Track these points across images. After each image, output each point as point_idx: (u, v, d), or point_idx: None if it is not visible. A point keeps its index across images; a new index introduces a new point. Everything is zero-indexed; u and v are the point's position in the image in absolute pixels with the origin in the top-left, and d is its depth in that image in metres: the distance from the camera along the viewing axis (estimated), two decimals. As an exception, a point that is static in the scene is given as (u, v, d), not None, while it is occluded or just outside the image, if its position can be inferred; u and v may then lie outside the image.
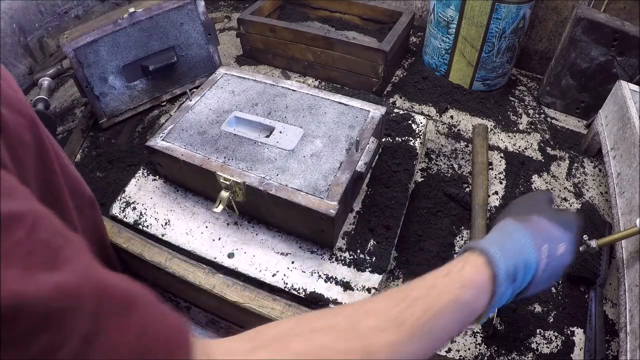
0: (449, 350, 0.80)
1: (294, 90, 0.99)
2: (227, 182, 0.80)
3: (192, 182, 0.93)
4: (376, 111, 0.94)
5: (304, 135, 0.88)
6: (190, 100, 0.97)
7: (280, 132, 0.89)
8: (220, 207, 0.80)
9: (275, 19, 1.46)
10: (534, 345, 0.81)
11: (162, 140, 0.89)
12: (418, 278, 0.44)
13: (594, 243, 0.78)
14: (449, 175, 1.10)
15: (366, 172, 0.87)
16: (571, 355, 0.80)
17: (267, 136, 0.90)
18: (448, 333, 0.43)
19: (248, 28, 1.39)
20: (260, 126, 0.91)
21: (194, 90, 0.99)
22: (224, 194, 0.81)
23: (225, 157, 0.85)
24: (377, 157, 1.00)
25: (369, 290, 0.79)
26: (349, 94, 1.15)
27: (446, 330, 0.42)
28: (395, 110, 1.13)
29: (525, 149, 1.19)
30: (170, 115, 0.93)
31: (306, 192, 0.78)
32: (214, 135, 0.89)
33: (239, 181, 0.79)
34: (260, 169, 0.82)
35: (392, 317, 0.39)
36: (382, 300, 0.42)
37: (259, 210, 0.87)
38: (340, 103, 0.96)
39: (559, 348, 0.81)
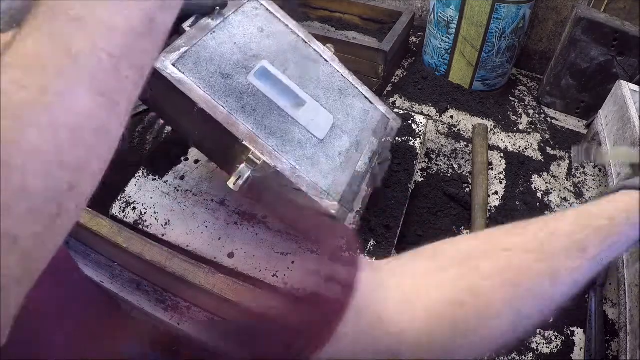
0: (449, 350, 0.80)
1: (326, 61, 0.85)
2: (257, 161, 0.64)
3: (194, 135, 0.75)
4: (394, 122, 0.88)
5: (334, 125, 0.76)
6: (213, 20, 0.72)
7: (311, 111, 0.74)
8: (239, 183, 0.64)
9: (275, 19, 1.46)
10: (534, 345, 0.81)
11: (173, 65, 0.64)
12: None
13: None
14: (449, 175, 1.10)
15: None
16: (571, 355, 0.80)
17: (297, 110, 0.74)
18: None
19: (248, 28, 1.39)
20: (291, 94, 0.74)
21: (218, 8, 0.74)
22: (245, 170, 0.65)
23: (253, 123, 0.67)
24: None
25: (369, 290, 0.79)
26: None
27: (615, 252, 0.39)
28: (395, 110, 1.13)
29: (525, 149, 1.19)
30: (185, 31, 0.70)
31: (332, 201, 0.67)
32: (240, 86, 0.69)
33: (271, 164, 0.65)
34: (291, 154, 0.68)
35: (576, 240, 0.37)
36: (564, 222, 0.39)
37: (257, 199, 0.78)
38: (366, 98, 0.85)
39: (559, 348, 0.81)
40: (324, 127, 0.73)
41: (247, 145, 0.64)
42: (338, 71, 0.84)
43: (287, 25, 0.85)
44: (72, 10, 0.25)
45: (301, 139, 0.70)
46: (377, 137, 0.81)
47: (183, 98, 0.64)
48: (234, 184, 0.64)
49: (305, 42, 0.85)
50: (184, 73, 0.64)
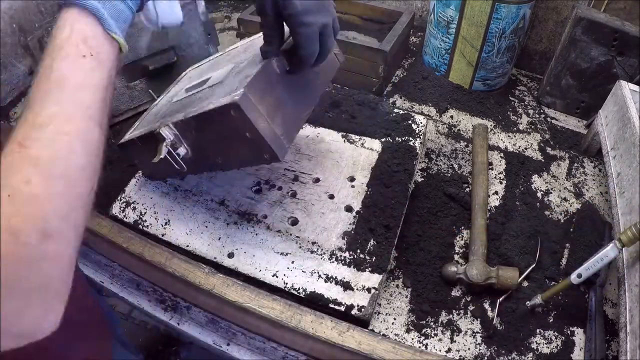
0: (449, 350, 0.80)
1: (237, 47, 0.98)
2: (163, 134, 0.76)
3: (156, 164, 0.81)
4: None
5: (233, 67, 0.79)
6: (156, 99, 0.99)
7: (214, 75, 0.83)
8: (157, 157, 0.76)
9: (275, 19, 1.46)
10: (534, 345, 0.81)
11: (129, 134, 0.91)
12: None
13: (538, 299, 0.81)
14: (449, 175, 1.10)
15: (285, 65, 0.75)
16: (571, 355, 0.80)
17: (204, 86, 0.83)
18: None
19: (248, 28, 1.39)
20: (199, 83, 0.85)
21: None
22: (162, 146, 0.76)
23: (168, 119, 0.79)
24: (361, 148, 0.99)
25: (369, 290, 0.79)
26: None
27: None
28: (395, 110, 1.13)
29: (525, 149, 1.19)
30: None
31: (221, 101, 0.68)
32: (165, 111, 0.87)
33: (169, 123, 0.76)
34: (193, 111, 0.75)
35: None
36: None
37: (202, 155, 0.79)
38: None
39: (559, 348, 0.81)
40: (224, 71, 0.82)
41: (158, 131, 0.77)
42: (245, 44, 0.96)
43: (209, 60, 1.05)
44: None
45: (202, 96, 0.79)
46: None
47: (133, 144, 0.87)
48: (155, 159, 0.77)
49: (224, 53, 1.02)
50: (132, 132, 0.91)
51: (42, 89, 0.41)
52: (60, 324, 0.38)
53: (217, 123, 0.71)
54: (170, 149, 0.77)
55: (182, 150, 0.78)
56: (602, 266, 0.76)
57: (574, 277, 0.77)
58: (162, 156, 0.76)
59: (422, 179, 1.08)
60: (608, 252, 0.74)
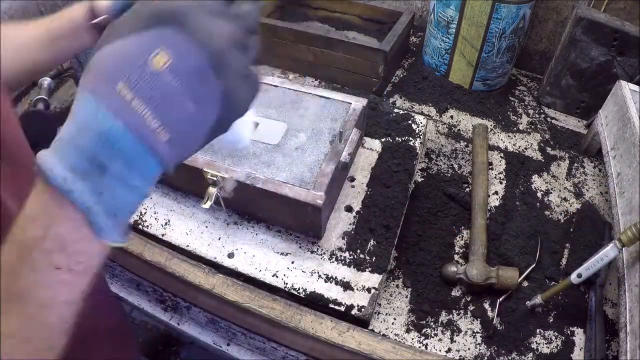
0: (449, 350, 0.80)
1: (276, 86, 1.00)
2: (214, 178, 0.81)
3: (178, 182, 0.93)
4: (357, 103, 0.95)
5: (288, 129, 0.90)
6: None
7: (265, 128, 0.90)
8: (209, 203, 0.81)
9: (275, 19, 1.46)
10: (534, 345, 0.81)
11: None
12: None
13: (538, 299, 0.81)
14: (449, 175, 1.10)
15: (350, 162, 0.89)
16: (571, 355, 0.80)
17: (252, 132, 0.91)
18: (51, 271, 0.29)
19: (248, 28, 1.39)
20: (244, 122, 0.91)
21: None
22: (212, 189, 0.81)
23: (211, 154, 0.85)
24: (359, 147, 1.01)
25: (369, 290, 0.79)
26: (338, 90, 1.15)
27: (46, 267, 0.29)
28: (395, 110, 1.13)
29: (525, 149, 1.19)
30: None
31: (292, 184, 0.79)
32: None
33: (226, 176, 0.80)
34: (246, 164, 0.83)
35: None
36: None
37: (246, 205, 0.88)
38: (321, 97, 0.97)
39: (559, 348, 0.81)
40: (277, 135, 0.89)
41: (205, 169, 0.81)
42: (289, 89, 1.00)
43: None
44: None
45: (256, 150, 0.86)
46: (339, 121, 0.92)
47: None
48: (205, 204, 0.80)
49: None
50: None
51: (4, 290, 0.30)
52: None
53: (284, 201, 0.79)
54: (218, 192, 0.82)
55: (229, 195, 0.84)
56: (602, 266, 0.76)
57: (574, 277, 0.77)
58: (212, 202, 0.80)
59: (422, 179, 1.08)
60: (608, 252, 0.74)
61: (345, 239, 0.86)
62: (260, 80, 0.38)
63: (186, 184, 0.92)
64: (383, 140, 1.04)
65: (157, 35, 0.30)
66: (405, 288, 0.89)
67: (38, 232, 0.29)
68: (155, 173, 0.31)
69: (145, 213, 0.92)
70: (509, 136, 1.22)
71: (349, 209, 0.91)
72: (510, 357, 0.79)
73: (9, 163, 0.44)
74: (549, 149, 1.19)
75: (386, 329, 0.83)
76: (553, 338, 0.82)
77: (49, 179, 0.28)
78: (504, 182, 1.09)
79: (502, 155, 1.16)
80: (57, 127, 1.22)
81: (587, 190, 1.09)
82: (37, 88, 1.30)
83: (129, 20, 0.31)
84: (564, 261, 0.93)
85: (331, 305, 0.78)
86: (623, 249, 0.74)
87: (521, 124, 1.26)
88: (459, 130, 1.23)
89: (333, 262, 0.83)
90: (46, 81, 1.30)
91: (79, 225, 0.29)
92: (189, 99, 0.30)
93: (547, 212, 1.03)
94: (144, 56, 0.29)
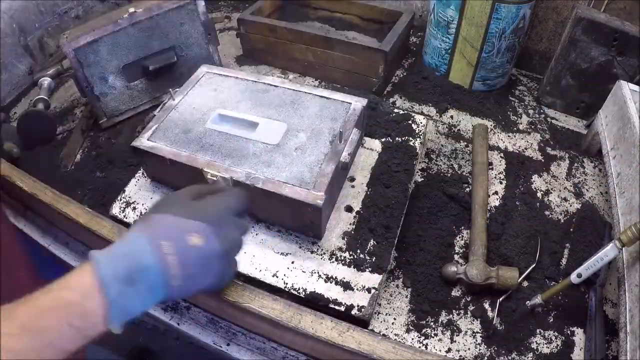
0: (449, 350, 0.80)
1: (276, 86, 1.00)
2: (214, 179, 0.81)
3: (178, 181, 0.92)
4: (357, 103, 0.95)
5: (288, 129, 0.90)
6: (174, 100, 0.97)
7: (264, 128, 0.90)
8: None
9: (275, 19, 1.46)
10: (534, 345, 0.81)
11: (148, 140, 0.89)
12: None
13: (538, 299, 0.80)
14: (449, 175, 1.10)
15: (350, 162, 0.89)
16: (571, 355, 0.80)
17: (251, 131, 0.91)
18: (62, 335, 0.42)
19: (248, 28, 1.39)
20: (244, 122, 0.91)
21: (177, 89, 1.00)
22: None
23: (211, 154, 0.85)
24: (359, 147, 1.01)
25: (369, 290, 0.79)
26: (338, 90, 1.15)
27: (58, 331, 0.42)
28: (395, 110, 1.13)
29: (525, 149, 1.19)
30: (154, 115, 0.94)
31: (293, 184, 0.79)
32: (199, 133, 0.90)
33: (226, 177, 0.80)
34: (246, 164, 0.83)
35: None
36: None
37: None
38: (321, 97, 0.97)
39: (559, 348, 0.81)
40: (277, 135, 0.88)
41: (205, 169, 0.82)
42: (289, 89, 1.00)
43: (236, 77, 1.04)
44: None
45: (256, 150, 0.86)
46: (339, 121, 0.92)
47: (158, 157, 0.86)
48: None
49: (254, 82, 1.02)
50: (155, 141, 0.89)
51: (26, 320, 0.41)
52: None
53: (284, 201, 0.79)
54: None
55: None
56: (602, 266, 0.76)
57: (574, 277, 0.77)
58: None
59: (422, 179, 1.08)
60: (608, 251, 0.74)
61: (345, 239, 0.86)
62: (236, 268, 0.62)
63: (186, 184, 0.92)
64: (383, 140, 1.04)
65: (198, 225, 0.50)
66: (405, 288, 0.89)
67: (73, 297, 0.43)
68: (161, 300, 0.48)
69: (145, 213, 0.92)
70: (509, 136, 1.22)
71: (349, 209, 0.91)
72: (510, 357, 0.80)
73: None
74: (549, 149, 1.19)
75: (386, 329, 0.83)
76: (553, 338, 0.82)
77: (96, 271, 0.43)
78: (504, 182, 1.09)
79: (502, 155, 1.16)
80: (56, 127, 1.22)
81: (587, 190, 1.09)
82: (37, 88, 1.31)
83: (179, 206, 0.52)
84: (564, 261, 0.93)
85: (331, 305, 0.78)
86: (623, 249, 0.74)
87: (521, 124, 1.26)
88: (459, 130, 1.23)
89: (333, 262, 0.83)
90: (46, 81, 1.30)
91: (101, 312, 0.43)
92: (200, 267, 0.49)
93: (547, 212, 1.03)
94: (186, 233, 0.48)
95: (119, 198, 0.95)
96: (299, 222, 0.84)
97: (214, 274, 0.52)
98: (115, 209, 0.93)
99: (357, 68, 1.30)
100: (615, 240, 0.73)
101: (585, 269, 0.76)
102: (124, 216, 0.92)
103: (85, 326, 0.43)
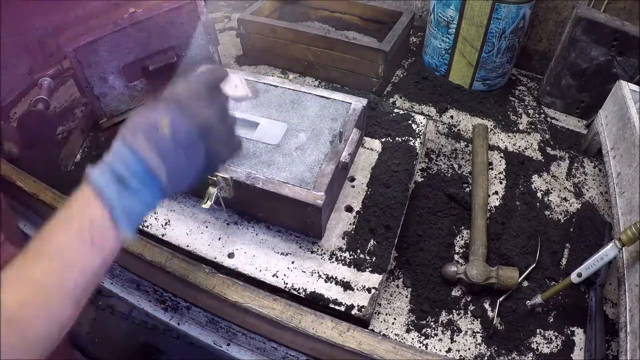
0: (449, 350, 0.80)
1: (276, 86, 1.00)
2: (214, 178, 0.81)
3: None
4: (357, 103, 0.95)
5: (288, 129, 0.90)
6: None
7: (265, 128, 0.90)
8: (209, 203, 0.81)
9: (275, 19, 1.46)
10: (534, 345, 0.81)
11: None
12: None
13: (539, 298, 0.81)
14: (449, 175, 1.10)
15: (350, 162, 0.89)
16: (571, 355, 0.80)
17: (251, 131, 0.91)
18: (76, 252, 0.43)
19: (248, 28, 1.39)
20: (244, 122, 0.92)
21: None
22: (212, 189, 0.82)
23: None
24: (359, 147, 1.01)
25: (369, 290, 0.79)
26: (338, 90, 1.16)
27: (70, 247, 0.43)
28: (395, 110, 1.13)
29: (525, 149, 1.19)
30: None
31: (293, 184, 0.79)
32: None
33: (226, 177, 0.80)
34: (246, 164, 0.84)
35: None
36: None
37: (246, 205, 0.88)
38: (321, 97, 0.98)
39: (559, 348, 0.81)
40: (277, 135, 0.89)
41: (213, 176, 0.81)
42: (289, 89, 1.00)
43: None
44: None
45: (256, 150, 0.86)
46: (339, 121, 0.92)
47: None
48: (205, 204, 0.80)
49: (254, 81, 1.03)
50: None
51: (38, 245, 0.42)
52: None
53: (284, 202, 0.79)
54: (218, 192, 0.82)
55: (228, 195, 0.84)
56: (602, 265, 0.76)
57: (574, 277, 0.77)
58: (211, 202, 0.81)
59: (422, 179, 1.08)
60: (608, 251, 0.74)
61: (345, 239, 0.86)
62: (240, 145, 0.57)
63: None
64: (383, 140, 1.04)
65: (165, 109, 0.48)
66: (405, 288, 0.89)
67: (76, 211, 0.44)
68: (158, 194, 0.48)
69: (145, 213, 0.92)
70: (509, 136, 1.22)
71: (349, 209, 0.91)
72: (510, 357, 0.80)
73: None
74: (549, 149, 1.19)
75: (386, 329, 0.83)
76: (553, 338, 0.82)
77: (90, 181, 0.44)
78: (504, 182, 1.09)
79: (502, 155, 1.16)
80: (56, 127, 1.22)
81: (587, 190, 1.09)
82: (37, 88, 1.30)
83: (157, 98, 0.51)
84: (564, 261, 0.93)
85: (331, 305, 0.78)
86: (623, 248, 0.74)
87: (521, 124, 1.26)
88: (459, 130, 1.23)
89: (333, 262, 0.83)
90: (46, 81, 1.30)
91: (105, 215, 0.44)
92: (181, 151, 0.48)
93: (547, 212, 1.03)
94: (155, 121, 0.47)
95: (119, 198, 0.95)
96: (299, 222, 0.84)
97: (200, 154, 0.51)
98: (116, 209, 0.93)
99: (357, 68, 1.30)
100: (615, 240, 0.74)
101: (586, 269, 0.76)
102: (124, 216, 0.92)
103: (96, 236, 0.43)
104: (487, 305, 0.87)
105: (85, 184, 0.45)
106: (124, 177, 0.45)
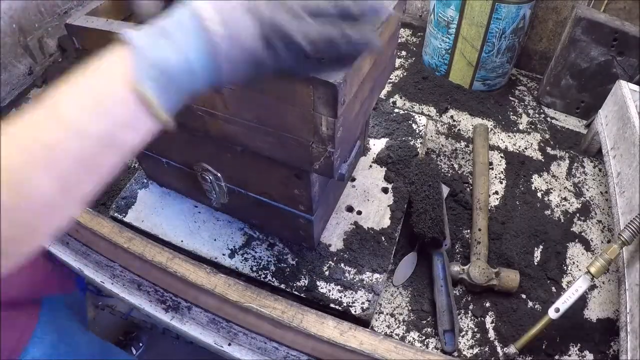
0: (450, 349, 0.80)
1: None
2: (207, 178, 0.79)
3: (176, 181, 0.92)
4: None
5: None
6: None
7: None
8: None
9: None
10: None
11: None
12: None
13: (512, 348, 0.78)
14: (449, 175, 1.10)
15: (348, 174, 0.85)
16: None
17: None
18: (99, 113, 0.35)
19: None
20: None
21: None
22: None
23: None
24: (360, 157, 1.00)
25: (369, 290, 0.79)
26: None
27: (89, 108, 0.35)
28: (396, 110, 1.13)
29: (525, 148, 1.19)
30: None
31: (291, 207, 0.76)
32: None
33: (220, 177, 0.79)
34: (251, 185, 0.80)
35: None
36: None
37: (241, 212, 0.87)
38: None
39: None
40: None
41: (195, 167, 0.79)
42: None
43: None
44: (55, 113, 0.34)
45: None
46: None
47: (156, 160, 0.86)
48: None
49: None
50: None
51: (49, 107, 0.35)
52: None
53: (277, 212, 0.78)
54: (210, 186, 0.80)
55: (223, 200, 0.82)
56: (577, 298, 0.75)
57: (552, 313, 0.75)
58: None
59: (423, 179, 1.08)
60: (580, 283, 0.74)
61: (346, 239, 0.86)
62: (365, 40, 0.40)
63: (184, 184, 0.91)
64: (383, 140, 1.05)
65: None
66: (405, 288, 0.89)
67: (98, 62, 0.36)
68: (206, 65, 0.37)
69: (145, 213, 0.92)
70: (509, 136, 1.22)
71: (349, 208, 0.91)
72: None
73: None
74: (549, 149, 1.19)
75: (387, 327, 0.83)
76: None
77: (125, 39, 0.35)
78: (504, 182, 1.09)
79: (502, 155, 1.16)
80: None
81: (587, 190, 1.09)
82: (37, 88, 1.30)
83: None
84: (564, 261, 0.93)
85: (332, 305, 0.78)
86: (623, 249, 0.74)
87: (521, 123, 1.26)
88: (459, 130, 1.23)
89: (333, 261, 0.83)
90: (46, 81, 1.30)
91: (126, 59, 0.35)
92: (243, 14, 0.37)
93: (547, 212, 1.03)
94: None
95: (118, 198, 0.95)
96: (291, 233, 0.83)
97: (254, 46, 0.37)
98: (115, 209, 0.93)
99: (357, 68, 1.30)
100: (585, 274, 0.74)
101: (562, 303, 0.75)
102: (124, 216, 0.92)
103: (118, 105, 0.35)
104: (487, 305, 0.87)
105: (119, 42, 0.36)
106: (167, 30, 0.36)
